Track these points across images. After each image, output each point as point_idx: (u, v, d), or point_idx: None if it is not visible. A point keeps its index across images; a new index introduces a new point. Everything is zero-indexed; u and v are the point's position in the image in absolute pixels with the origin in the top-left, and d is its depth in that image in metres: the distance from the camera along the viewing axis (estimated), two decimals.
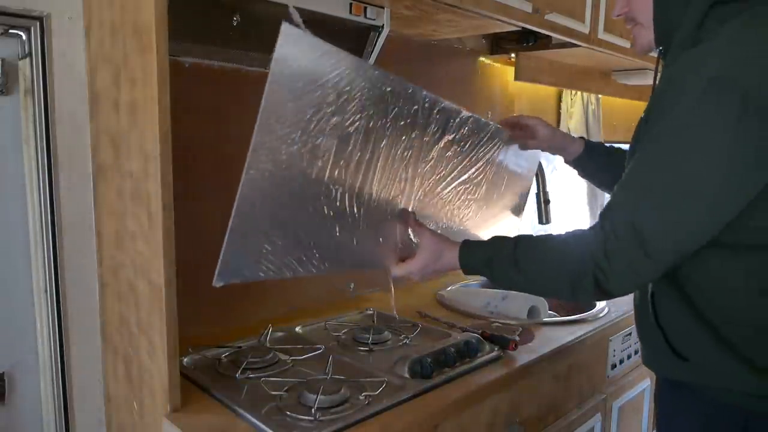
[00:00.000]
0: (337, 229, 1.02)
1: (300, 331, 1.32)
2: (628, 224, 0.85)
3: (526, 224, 2.25)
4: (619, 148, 1.36)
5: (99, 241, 1.11)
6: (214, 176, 1.28)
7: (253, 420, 0.89)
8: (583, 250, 0.91)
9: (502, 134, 1.35)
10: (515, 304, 1.49)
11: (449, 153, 1.24)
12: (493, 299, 1.53)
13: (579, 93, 2.39)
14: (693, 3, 0.89)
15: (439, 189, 1.28)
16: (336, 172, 0.96)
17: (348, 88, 0.91)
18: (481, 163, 1.36)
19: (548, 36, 1.65)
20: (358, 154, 0.99)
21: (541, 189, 1.86)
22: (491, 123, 1.31)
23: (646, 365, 1.04)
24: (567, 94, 2.37)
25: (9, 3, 0.98)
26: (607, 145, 1.40)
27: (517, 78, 1.98)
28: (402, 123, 1.07)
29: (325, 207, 0.97)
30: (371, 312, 1.46)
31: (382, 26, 1.32)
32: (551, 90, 2.31)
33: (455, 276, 1.88)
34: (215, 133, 1.29)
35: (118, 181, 1.00)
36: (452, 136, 1.22)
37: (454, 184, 1.32)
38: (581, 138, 1.37)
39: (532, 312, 1.48)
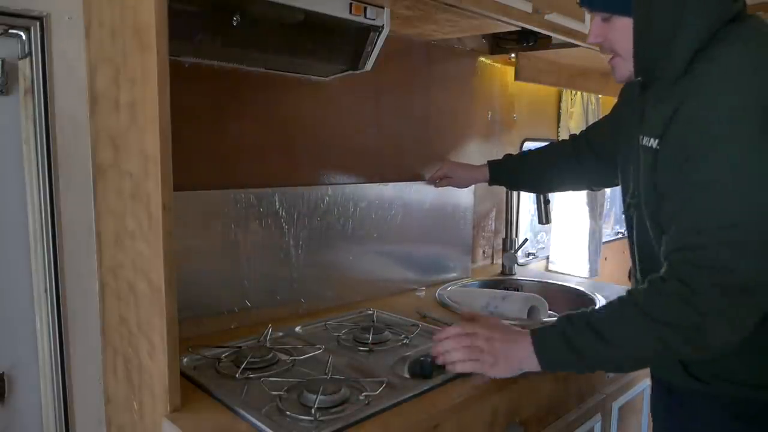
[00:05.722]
0: None
1: (300, 331, 1.32)
2: (718, 264, 0.83)
3: (525, 224, 2.25)
4: (527, 152, 1.62)
5: (99, 241, 1.11)
6: (214, 176, 1.29)
7: (253, 420, 0.89)
8: (670, 307, 0.86)
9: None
10: (515, 304, 1.49)
11: None
12: (493, 299, 1.52)
13: (579, 93, 2.39)
14: (687, 31, 0.87)
15: None
16: None
17: None
18: None
19: (548, 36, 1.65)
20: None
21: None
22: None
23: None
24: (567, 94, 2.37)
25: (9, 3, 0.98)
26: (517, 153, 1.66)
27: (517, 78, 1.98)
28: None
29: None
30: (371, 312, 1.47)
31: (382, 26, 1.31)
32: (551, 90, 2.31)
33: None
34: (215, 132, 1.29)
35: (118, 181, 1.00)
36: None
37: None
38: (488, 162, 1.62)
39: (532, 312, 1.47)
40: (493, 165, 1.61)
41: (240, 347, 1.17)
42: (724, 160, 0.83)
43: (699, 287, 0.84)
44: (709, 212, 0.85)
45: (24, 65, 1.02)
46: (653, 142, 0.94)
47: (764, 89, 0.82)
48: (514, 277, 1.97)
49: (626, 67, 0.96)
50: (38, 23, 1.01)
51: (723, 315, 0.84)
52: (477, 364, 0.99)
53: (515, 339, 0.99)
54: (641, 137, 0.98)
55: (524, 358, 0.96)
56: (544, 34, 1.60)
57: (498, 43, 1.90)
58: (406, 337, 1.27)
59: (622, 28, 0.92)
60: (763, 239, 0.82)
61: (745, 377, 0.94)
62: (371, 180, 1.60)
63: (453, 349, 1.01)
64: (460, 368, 1.01)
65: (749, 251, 0.82)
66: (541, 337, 0.97)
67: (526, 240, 2.09)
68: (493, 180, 1.62)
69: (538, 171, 1.54)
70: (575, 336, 0.93)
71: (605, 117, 1.37)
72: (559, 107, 2.37)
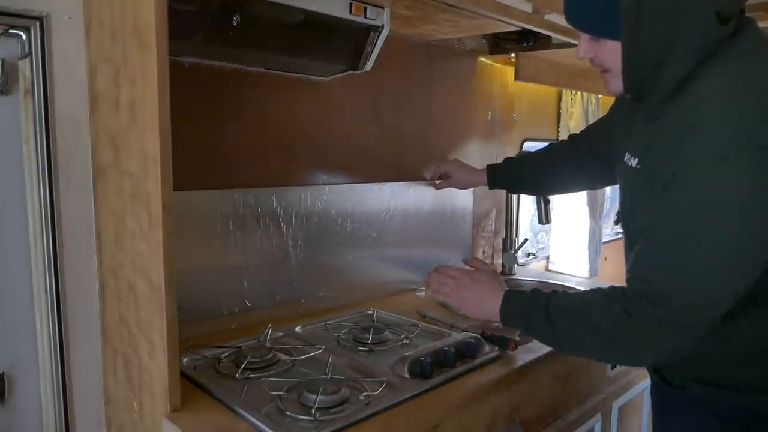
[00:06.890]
0: None
1: (300, 331, 1.32)
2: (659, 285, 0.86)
3: (525, 224, 2.25)
4: (527, 154, 1.63)
5: (99, 241, 1.11)
6: (213, 176, 1.29)
7: (253, 420, 0.89)
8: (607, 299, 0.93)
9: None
10: None
11: None
12: None
13: (579, 93, 2.39)
14: (675, 56, 0.84)
15: None
16: None
17: None
18: None
19: (548, 36, 1.65)
20: None
21: None
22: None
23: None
24: (567, 94, 2.37)
25: (9, 3, 0.98)
26: (514, 156, 1.64)
27: (517, 78, 1.98)
28: None
29: None
30: (371, 312, 1.47)
31: (382, 26, 1.31)
32: (551, 90, 2.31)
33: None
34: (215, 132, 1.29)
35: (118, 181, 1.00)
36: None
37: None
38: (487, 166, 1.62)
39: None
40: (492, 169, 1.61)
41: (240, 347, 1.17)
42: (696, 189, 0.81)
43: (647, 320, 0.88)
44: (669, 244, 0.85)
45: (24, 65, 1.02)
46: (634, 162, 0.95)
47: (746, 112, 0.79)
48: (514, 277, 1.97)
49: (618, 83, 0.94)
50: (38, 23, 1.01)
51: (651, 343, 0.90)
52: (449, 299, 1.18)
53: (488, 296, 1.11)
54: (626, 154, 0.99)
55: (492, 312, 1.10)
56: (544, 34, 1.60)
57: (498, 43, 1.90)
58: (406, 337, 1.27)
59: (611, 48, 0.90)
60: (711, 278, 0.83)
61: (722, 381, 0.94)
62: (371, 180, 1.60)
63: (440, 284, 1.20)
64: (437, 298, 1.23)
65: (693, 288, 0.84)
66: (507, 301, 1.09)
67: (526, 240, 2.09)
68: (494, 184, 1.61)
69: (538, 174, 1.53)
70: (532, 314, 1.02)
71: (602, 119, 1.37)
72: (559, 107, 2.37)
